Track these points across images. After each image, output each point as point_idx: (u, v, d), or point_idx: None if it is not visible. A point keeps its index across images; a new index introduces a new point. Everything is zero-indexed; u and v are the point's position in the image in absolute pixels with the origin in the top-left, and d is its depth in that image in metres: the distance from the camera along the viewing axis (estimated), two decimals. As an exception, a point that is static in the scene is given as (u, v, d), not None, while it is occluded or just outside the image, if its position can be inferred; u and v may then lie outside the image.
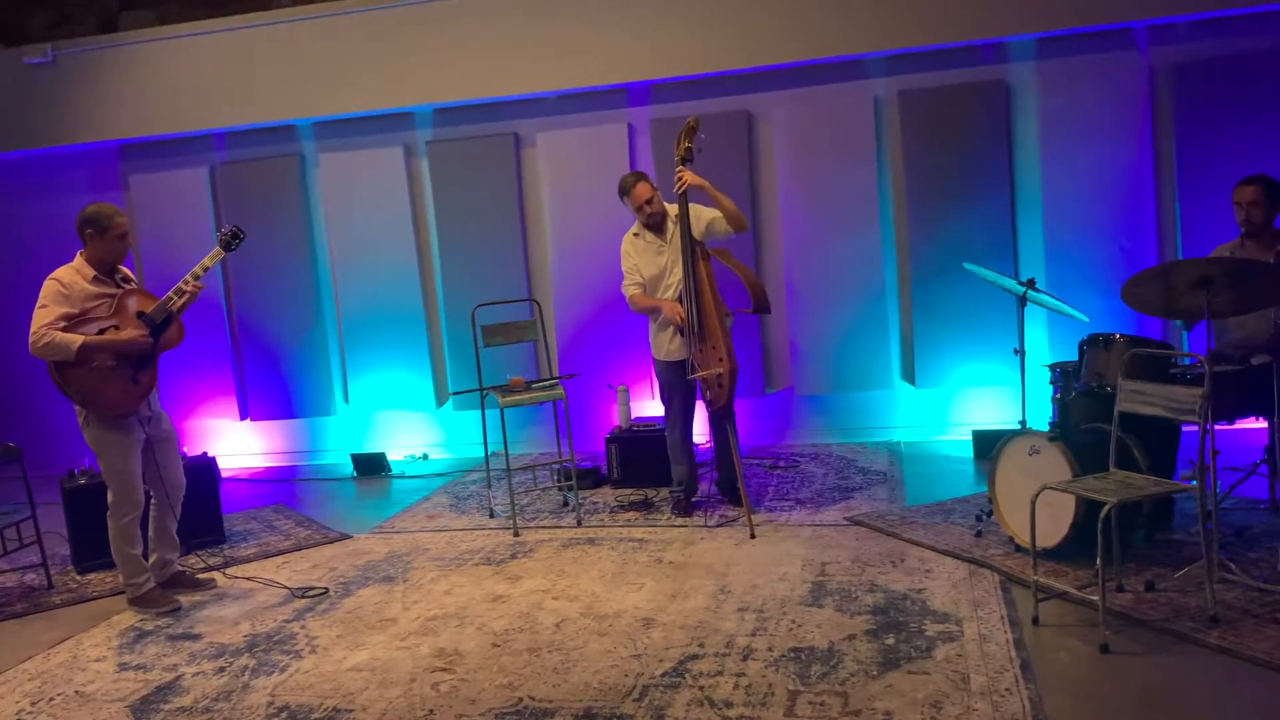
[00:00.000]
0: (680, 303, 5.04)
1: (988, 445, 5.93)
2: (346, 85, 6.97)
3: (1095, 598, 3.54)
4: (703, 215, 5.10)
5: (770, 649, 3.62)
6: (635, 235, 5.29)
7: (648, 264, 5.21)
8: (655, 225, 5.19)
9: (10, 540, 5.13)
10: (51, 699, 3.70)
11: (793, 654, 3.57)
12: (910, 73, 6.50)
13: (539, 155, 7.05)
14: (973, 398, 6.62)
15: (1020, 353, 4.81)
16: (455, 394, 7.15)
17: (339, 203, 7.35)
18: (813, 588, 4.20)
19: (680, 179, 4.94)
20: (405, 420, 7.52)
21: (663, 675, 3.48)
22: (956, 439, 6.59)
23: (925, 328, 6.57)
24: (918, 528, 4.86)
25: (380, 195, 7.26)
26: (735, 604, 4.08)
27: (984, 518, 4.75)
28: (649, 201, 5.14)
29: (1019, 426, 4.73)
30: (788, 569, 4.44)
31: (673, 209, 5.10)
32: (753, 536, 4.89)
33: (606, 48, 6.57)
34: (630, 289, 5.26)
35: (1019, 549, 4.35)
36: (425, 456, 7.45)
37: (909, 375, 6.72)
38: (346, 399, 7.60)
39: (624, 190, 5.21)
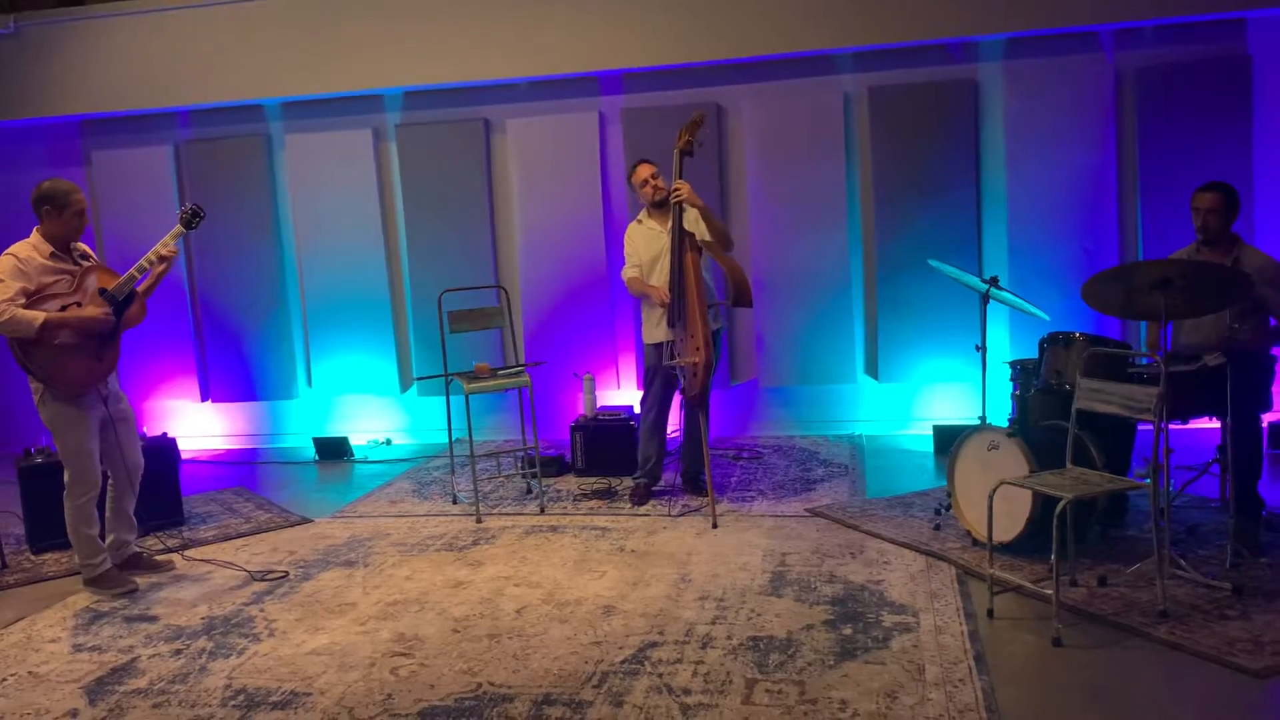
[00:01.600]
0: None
1: (948, 440, 5.98)
2: (316, 66, 6.90)
3: (1049, 592, 3.60)
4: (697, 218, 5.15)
5: (729, 638, 3.65)
6: (639, 222, 5.37)
7: (646, 248, 5.27)
8: (660, 206, 5.24)
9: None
10: (4, 679, 3.65)
11: (751, 643, 3.60)
12: (881, 69, 6.55)
13: (509, 142, 7.02)
14: (934, 393, 6.70)
15: (981, 349, 4.87)
16: (420, 379, 7.12)
17: (305, 184, 7.29)
18: (773, 578, 4.23)
19: (678, 190, 4.98)
20: (369, 405, 7.48)
21: (622, 662, 3.50)
22: (917, 434, 6.66)
23: (889, 323, 6.63)
24: (877, 520, 4.91)
25: (348, 178, 7.20)
26: (696, 593, 4.10)
27: (943, 511, 4.82)
28: (651, 178, 5.22)
29: (979, 422, 4.79)
30: (748, 559, 4.47)
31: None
32: (715, 526, 4.93)
33: (579, 35, 6.55)
34: (629, 271, 5.34)
35: (976, 543, 4.41)
36: (388, 442, 7.42)
37: (872, 370, 6.78)
38: (309, 382, 7.54)
39: (630, 173, 5.36)
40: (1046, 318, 4.96)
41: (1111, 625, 3.61)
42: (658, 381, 5.36)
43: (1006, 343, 6.47)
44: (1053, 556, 3.54)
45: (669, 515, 5.17)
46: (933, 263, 5.09)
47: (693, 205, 5.02)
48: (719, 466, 6.10)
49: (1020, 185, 6.42)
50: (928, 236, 6.45)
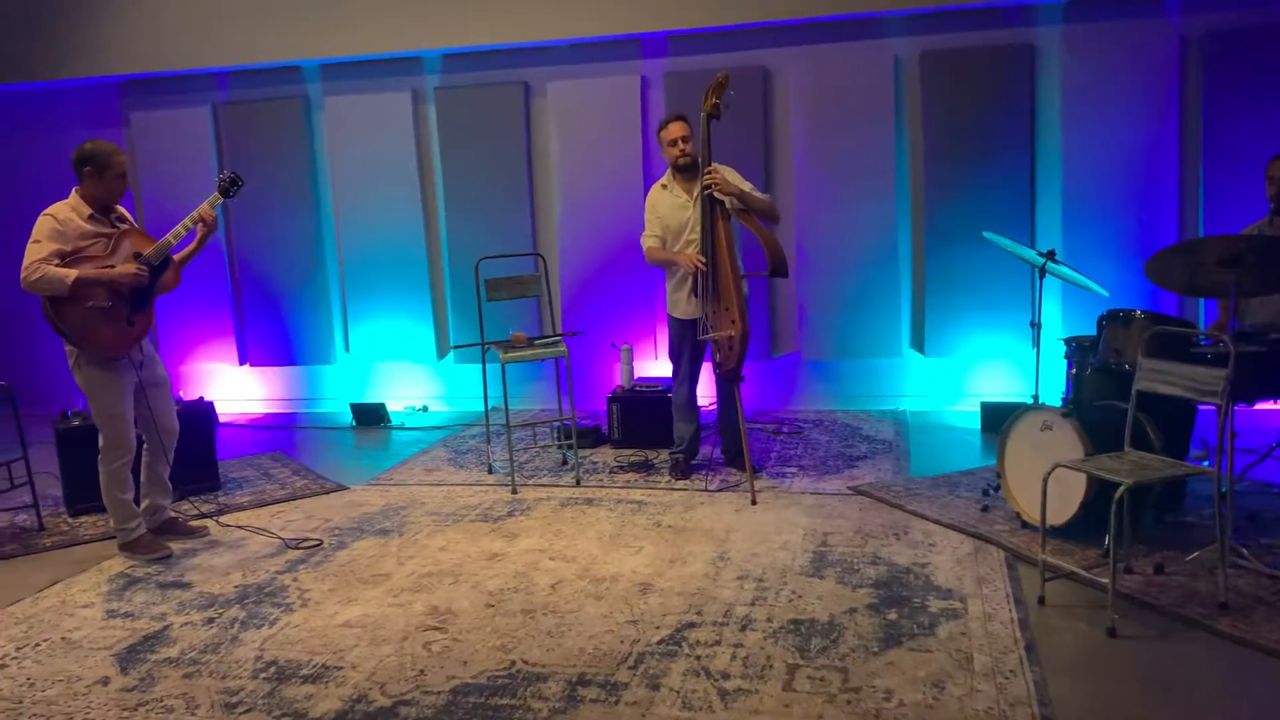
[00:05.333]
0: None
1: (996, 418, 5.84)
2: (354, 27, 6.79)
3: (1104, 580, 3.45)
4: (741, 186, 4.94)
5: (769, 620, 3.55)
6: (663, 187, 5.15)
7: (671, 216, 5.07)
8: (685, 171, 5.03)
9: (1, 481, 5.05)
10: (37, 645, 3.63)
11: (792, 626, 3.49)
12: (933, 33, 6.32)
13: (549, 105, 6.88)
14: (983, 369, 6.52)
15: (1036, 325, 4.70)
16: (456, 348, 7.05)
17: (344, 147, 7.20)
18: (814, 558, 4.12)
19: (710, 178, 4.77)
20: (406, 371, 7.43)
21: (659, 643, 3.41)
22: (964, 410, 6.49)
23: (937, 295, 6.45)
24: (922, 500, 4.78)
25: (386, 141, 7.11)
26: (734, 572, 4.00)
27: (991, 492, 4.67)
28: (683, 139, 4.99)
29: (1031, 401, 4.63)
30: (789, 538, 4.36)
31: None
32: (754, 503, 4.81)
33: (620, -5, 6.39)
34: (648, 240, 5.15)
35: (1026, 525, 4.27)
36: (425, 409, 7.37)
37: (919, 343, 6.61)
38: (347, 347, 7.50)
39: (660, 126, 5.10)
40: (1105, 293, 4.77)
41: (1169, 616, 3.46)
42: (685, 357, 5.22)
43: (1059, 318, 6.27)
44: (1107, 542, 3.40)
45: (707, 490, 5.07)
46: (987, 234, 4.91)
47: (725, 195, 4.82)
48: (758, 441, 5.98)
49: (1077, 155, 6.19)
50: (979, 207, 6.24)
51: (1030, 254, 4.69)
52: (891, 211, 6.46)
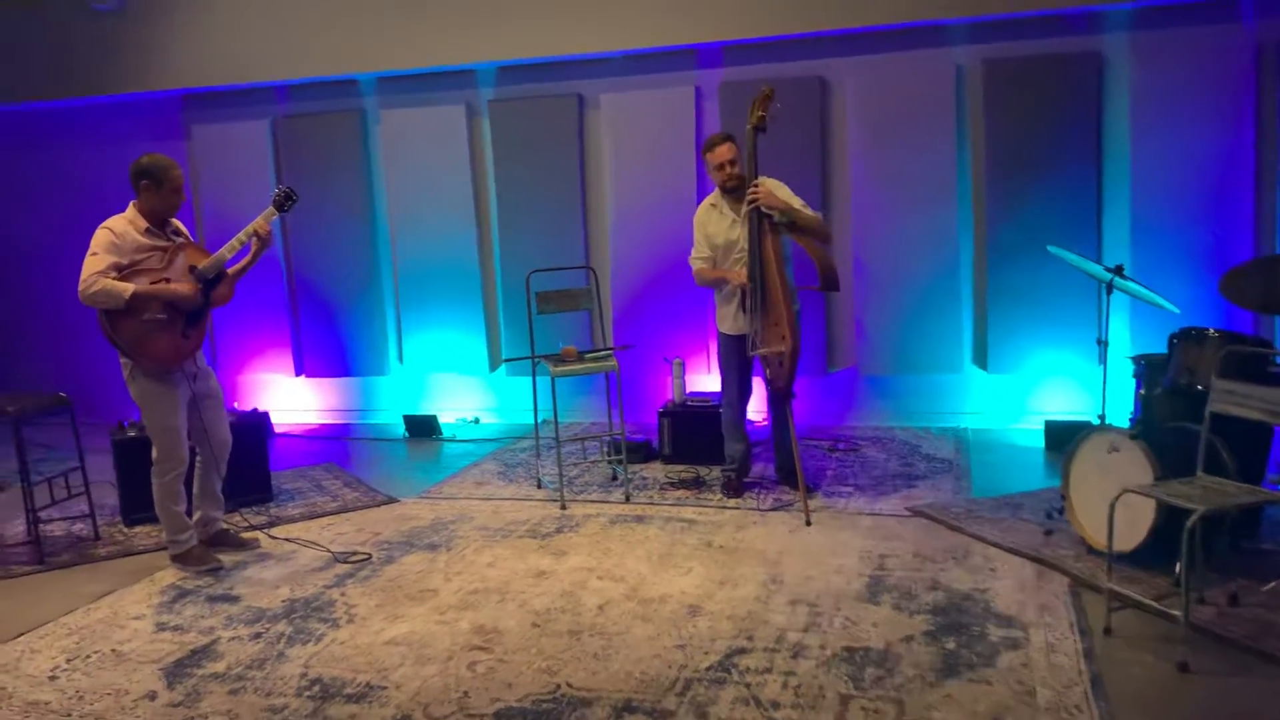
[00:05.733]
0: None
1: (1061, 437, 5.66)
2: (410, 40, 6.82)
3: (1175, 611, 3.29)
4: (790, 203, 4.84)
5: (823, 647, 3.44)
6: (712, 205, 5.08)
7: (720, 235, 4.98)
8: (734, 192, 4.94)
9: (59, 490, 5.12)
10: (88, 656, 3.65)
11: (846, 654, 3.38)
12: (996, 41, 6.16)
13: (602, 117, 6.84)
14: (1047, 386, 6.32)
15: (1103, 343, 4.53)
16: (507, 361, 7.02)
17: (399, 160, 7.23)
18: (870, 582, 4.00)
19: (754, 193, 4.69)
20: (458, 383, 7.43)
21: (708, 669, 3.32)
22: (1027, 428, 6.30)
23: (1000, 310, 6.27)
24: (983, 522, 4.62)
25: (440, 154, 7.12)
26: (787, 596, 3.89)
27: (1055, 515, 4.51)
28: (730, 163, 4.90)
29: (1097, 421, 4.46)
30: (844, 560, 4.24)
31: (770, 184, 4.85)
32: (808, 523, 4.70)
33: (676, 7, 6.32)
34: (696, 260, 5.07)
35: (1091, 551, 4.11)
36: (477, 420, 7.35)
37: (981, 359, 6.43)
38: (401, 359, 7.52)
39: (707, 147, 5.01)
40: (1176, 310, 4.58)
41: (1245, 650, 3.29)
42: (735, 373, 5.13)
43: (1127, 336, 6.06)
44: (1180, 572, 3.24)
45: (759, 509, 4.96)
46: (1052, 249, 4.75)
47: (772, 210, 4.72)
48: (813, 459, 5.85)
49: (1146, 166, 5.99)
50: (1043, 220, 6.06)
51: (1097, 269, 4.53)
52: (952, 224, 6.31)
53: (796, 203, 4.83)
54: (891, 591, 3.89)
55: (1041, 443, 5.96)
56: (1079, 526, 4.18)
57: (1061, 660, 3.28)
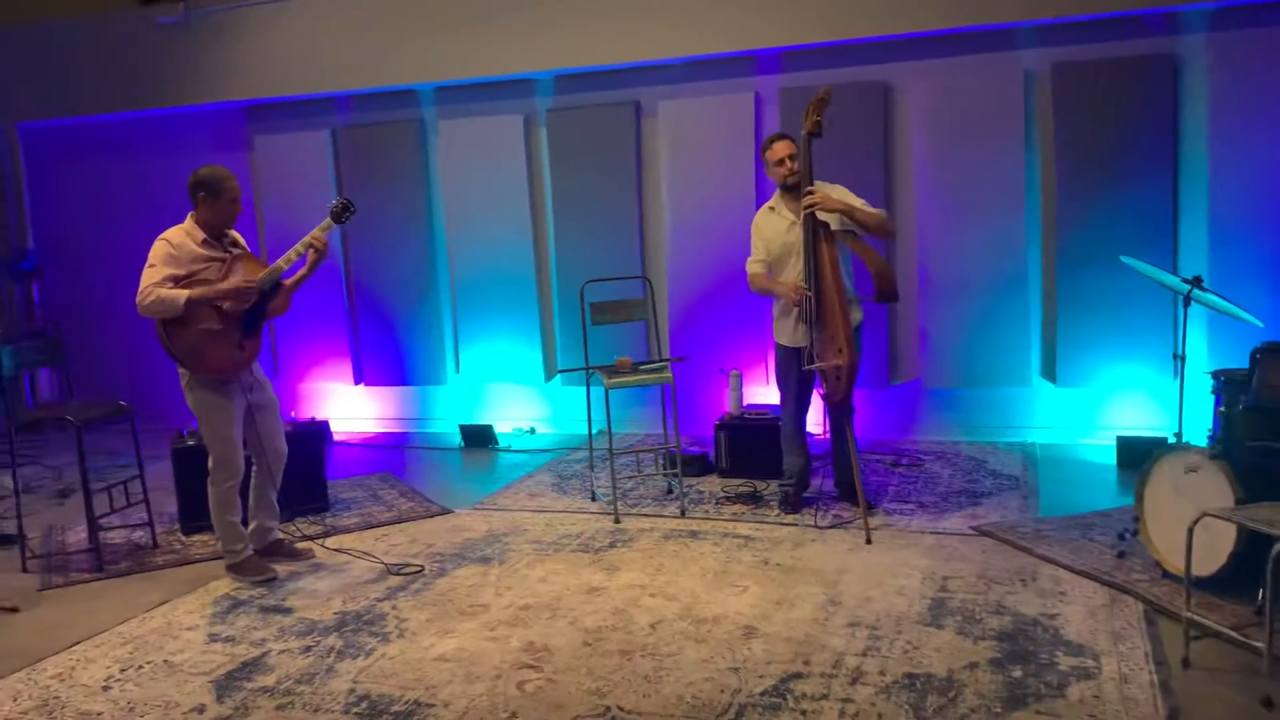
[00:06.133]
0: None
1: (1134, 454, 5.45)
2: (469, 51, 6.82)
3: (1258, 642, 3.11)
4: (848, 201, 4.72)
5: (882, 673, 3.31)
6: (770, 209, 4.97)
7: (777, 238, 4.87)
8: (793, 190, 4.81)
9: (119, 498, 5.17)
10: (140, 667, 3.65)
11: (907, 681, 3.25)
12: (1066, 44, 5.97)
13: (660, 125, 6.77)
14: (1119, 401, 6.09)
15: (1181, 358, 4.33)
16: (562, 372, 6.98)
17: (457, 170, 7.24)
18: (932, 605, 3.85)
19: (810, 199, 4.57)
20: (514, 393, 7.40)
21: (762, 694, 3.21)
22: (1098, 444, 6.07)
23: (1070, 322, 6.06)
24: (1052, 543, 4.44)
25: (498, 164, 7.11)
26: (845, 618, 3.77)
27: (1127, 536, 4.31)
28: (789, 158, 4.78)
29: (1173, 439, 4.27)
30: (905, 581, 4.10)
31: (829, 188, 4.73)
32: (868, 542, 4.56)
33: (735, 12, 6.23)
34: (752, 266, 4.97)
35: (1167, 575, 3.92)
36: (532, 431, 7.32)
37: (1049, 372, 6.23)
38: (458, 368, 7.51)
39: (765, 146, 4.91)
40: (1259, 324, 4.35)
41: (1335, 687, 3.10)
42: (792, 386, 5.00)
43: (1205, 350, 5.81)
44: (1263, 601, 3.05)
45: (818, 526, 4.83)
46: (1126, 259, 4.56)
47: (829, 212, 4.61)
48: (875, 474, 5.70)
49: (1225, 172, 5.75)
50: (1116, 229, 5.85)
51: (1173, 280, 4.33)
52: (1020, 233, 6.12)
53: (857, 202, 4.70)
54: (955, 615, 3.75)
55: (1113, 459, 5.74)
56: (1153, 549, 4.00)
57: (1136, 693, 3.11)
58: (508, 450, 6.89)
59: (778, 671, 3.36)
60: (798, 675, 3.33)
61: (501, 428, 7.19)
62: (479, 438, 7.03)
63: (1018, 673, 3.27)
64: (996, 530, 4.65)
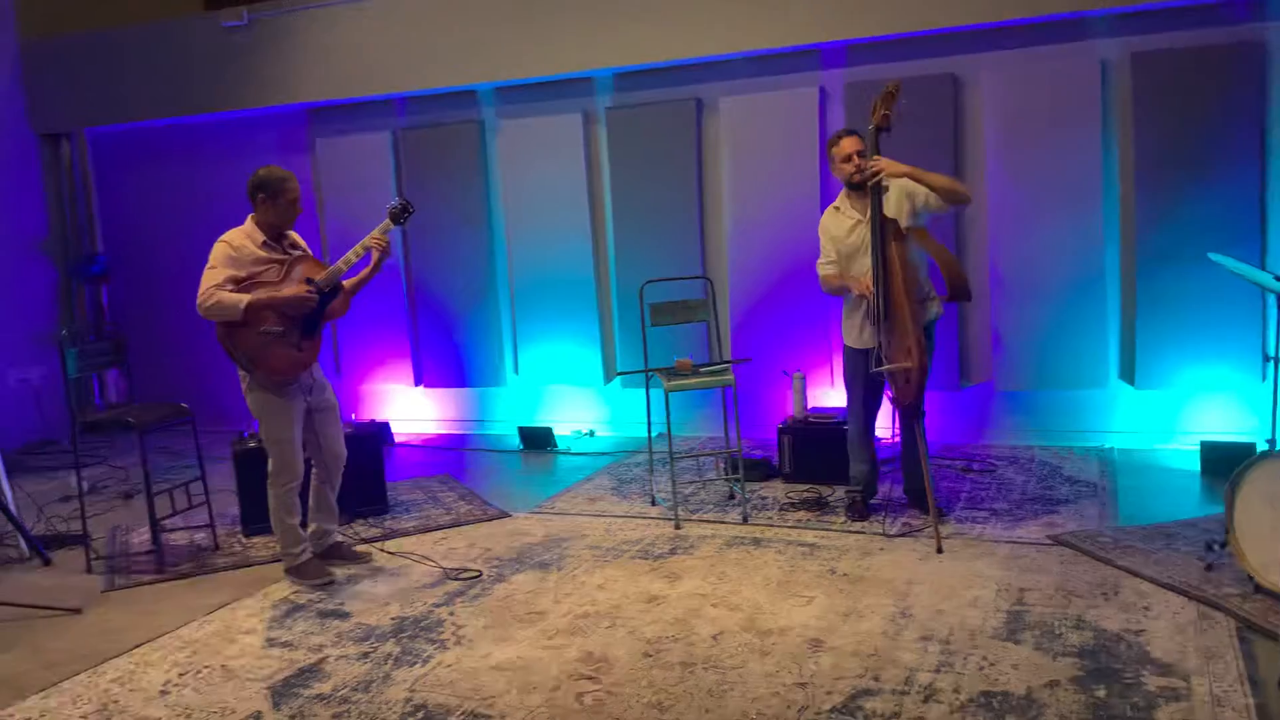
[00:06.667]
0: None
1: (1220, 460, 5.19)
2: (528, 50, 6.76)
3: (1366, 666, 2.90)
4: (915, 192, 4.55)
5: (957, 690, 3.16)
6: (836, 209, 4.82)
7: (845, 238, 4.73)
8: (859, 189, 4.66)
9: (181, 500, 5.20)
10: (199, 671, 3.63)
11: (983, 699, 3.09)
12: (1145, 33, 5.72)
13: (721, 122, 6.64)
14: (1203, 404, 5.83)
15: (1271, 359, 4.10)
16: (621, 374, 6.88)
17: (516, 170, 7.18)
18: (1008, 618, 3.68)
19: (875, 167, 4.42)
20: (573, 395, 7.32)
21: (830, 710, 3.08)
22: (1181, 449, 5.81)
23: (1151, 321, 5.81)
24: (1134, 553, 4.24)
25: (557, 163, 7.04)
26: (917, 631, 3.61)
27: (1216, 547, 4.08)
28: (856, 155, 4.62)
29: (1265, 445, 4.04)
30: (979, 593, 3.93)
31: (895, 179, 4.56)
32: (940, 551, 4.38)
33: (798, 5, 6.07)
34: (823, 268, 4.83)
35: (1260, 590, 3.70)
36: (591, 433, 7.24)
37: (1128, 374, 5.97)
38: (516, 370, 7.46)
39: (831, 143, 4.76)
40: (1358, 323, 4.12)
41: None
42: (860, 388, 4.85)
43: (1296, 350, 5.53)
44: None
45: (886, 534, 4.67)
46: (1214, 257, 4.33)
47: (895, 176, 4.42)
48: (945, 480, 5.51)
49: (1318, 164, 5.47)
50: (1199, 224, 5.59)
51: (1265, 278, 4.11)
52: (1098, 229, 5.88)
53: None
54: (1033, 629, 3.57)
55: (1197, 466, 5.48)
56: (1245, 562, 3.78)
57: (1230, 716, 2.92)
58: (566, 453, 6.82)
59: (846, 687, 3.22)
60: (868, 692, 3.19)
61: (560, 430, 7.12)
62: (538, 440, 6.97)
63: (1102, 693, 3.10)
64: (1074, 540, 4.44)
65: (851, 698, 3.15)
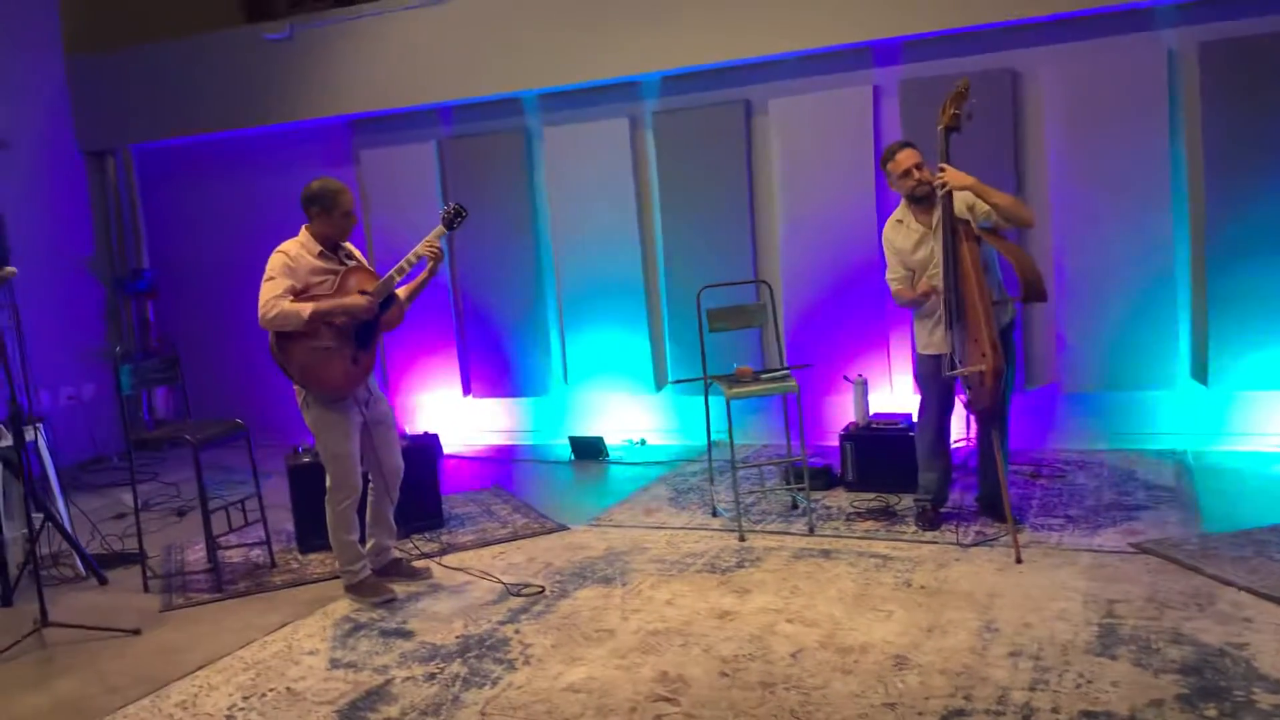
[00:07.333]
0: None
1: (1305, 463, 4.99)
2: (572, 55, 6.67)
3: None
4: (973, 204, 4.40)
5: (1056, 710, 3.01)
6: (898, 221, 4.67)
7: (910, 252, 4.59)
8: (922, 201, 4.54)
9: (236, 517, 5.14)
10: (264, 694, 3.55)
11: (1085, 720, 2.95)
12: (1214, 21, 5.53)
13: (771, 123, 6.51)
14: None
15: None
16: (677, 382, 6.76)
17: (562, 177, 7.09)
18: (1100, 632, 3.52)
19: (942, 178, 4.27)
20: (622, 403, 7.20)
21: (923, 733, 2.94)
22: (1261, 451, 5.59)
23: (1223, 319, 5.61)
24: (1224, 561, 4.05)
25: (603, 169, 6.93)
26: (1005, 646, 3.46)
27: (1313, 555, 3.90)
28: (915, 168, 4.49)
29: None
30: (1066, 605, 3.76)
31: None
32: (1019, 561, 4.22)
33: (850, 1, 5.93)
34: (892, 283, 4.69)
35: (1366, 600, 3.51)
36: (643, 442, 7.12)
37: (1200, 374, 5.77)
38: (565, 378, 7.36)
39: (886, 157, 4.62)
40: None
41: None
42: (934, 394, 4.70)
43: (1381, 346, 5.32)
44: None
45: (960, 544, 4.51)
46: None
47: (959, 189, 4.27)
48: (1015, 486, 5.33)
49: (1400, 152, 5.25)
50: (1273, 218, 5.40)
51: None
52: (1166, 225, 5.69)
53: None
54: (1128, 644, 3.41)
55: (1279, 468, 5.28)
56: (1350, 571, 3.60)
57: (1353, 737, 2.75)
58: (619, 463, 6.70)
59: (938, 707, 3.08)
60: (960, 713, 3.04)
61: (611, 439, 7.00)
62: (589, 450, 6.86)
63: (1211, 712, 2.94)
64: (1160, 547, 4.26)
65: (944, 717, 3.01)
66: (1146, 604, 3.72)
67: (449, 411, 7.68)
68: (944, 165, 4.30)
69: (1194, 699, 3.02)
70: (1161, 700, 3.03)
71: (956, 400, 4.62)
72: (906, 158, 4.52)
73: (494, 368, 7.47)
